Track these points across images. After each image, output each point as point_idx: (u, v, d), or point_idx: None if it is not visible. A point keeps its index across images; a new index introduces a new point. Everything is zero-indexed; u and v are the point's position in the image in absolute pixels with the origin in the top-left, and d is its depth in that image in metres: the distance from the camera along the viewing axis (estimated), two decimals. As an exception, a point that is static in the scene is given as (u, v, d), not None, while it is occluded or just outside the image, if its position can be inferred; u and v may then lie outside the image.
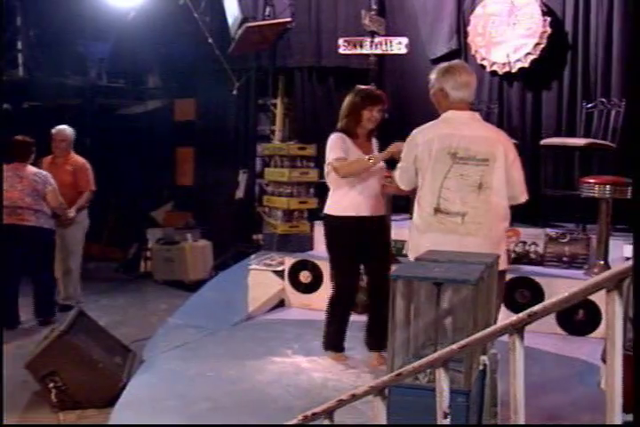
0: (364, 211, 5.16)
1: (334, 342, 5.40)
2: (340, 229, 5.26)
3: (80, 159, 7.66)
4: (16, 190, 6.74)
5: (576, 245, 6.54)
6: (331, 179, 5.27)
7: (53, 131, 7.56)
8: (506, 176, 4.03)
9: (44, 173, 6.97)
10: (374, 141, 5.32)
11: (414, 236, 4.20)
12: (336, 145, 5.16)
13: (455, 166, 3.98)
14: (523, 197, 4.22)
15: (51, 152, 7.56)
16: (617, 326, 1.51)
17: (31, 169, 6.92)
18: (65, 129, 7.61)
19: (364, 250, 5.21)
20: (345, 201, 5.19)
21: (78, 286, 7.62)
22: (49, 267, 7.08)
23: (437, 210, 4.01)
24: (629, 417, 2.55)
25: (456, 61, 4.53)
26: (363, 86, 5.53)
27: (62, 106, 10.12)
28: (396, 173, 4.32)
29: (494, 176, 3.99)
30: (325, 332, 5.45)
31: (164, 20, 9.26)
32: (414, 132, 4.20)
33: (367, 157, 5.00)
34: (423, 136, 4.12)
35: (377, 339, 5.24)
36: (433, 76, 4.20)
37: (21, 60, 9.74)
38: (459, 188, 3.97)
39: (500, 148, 4.02)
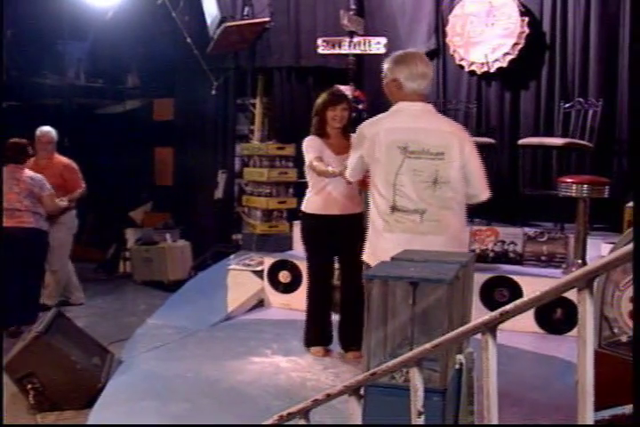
0: (333, 209, 5.33)
1: (310, 337, 5.56)
2: (310, 226, 5.48)
3: (65, 160, 7.60)
4: (13, 193, 6.64)
5: (554, 245, 6.57)
6: (308, 178, 5.44)
7: (38, 133, 7.47)
8: (463, 171, 3.83)
9: (40, 176, 6.86)
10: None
11: (371, 237, 3.99)
12: (308, 146, 5.35)
13: (407, 161, 3.77)
14: (484, 195, 3.95)
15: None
16: (588, 325, 1.52)
17: (27, 172, 6.84)
18: (50, 131, 7.53)
19: (336, 248, 5.41)
20: (316, 199, 5.39)
21: (65, 287, 7.60)
22: (41, 269, 7.01)
23: (394, 208, 3.79)
24: (606, 414, 2.57)
25: (411, 50, 4.33)
26: (338, 86, 5.63)
27: (40, 106, 10.07)
28: (347, 170, 4.23)
29: (451, 171, 3.79)
30: (305, 329, 5.60)
31: (143, 20, 9.23)
32: (361, 126, 4.04)
33: (330, 168, 5.05)
34: (369, 130, 3.94)
35: (349, 338, 5.38)
36: (386, 66, 3.96)
37: (-2, 60, 9.68)
38: (413, 184, 3.76)
39: (455, 140, 3.82)
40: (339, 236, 5.32)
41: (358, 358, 5.16)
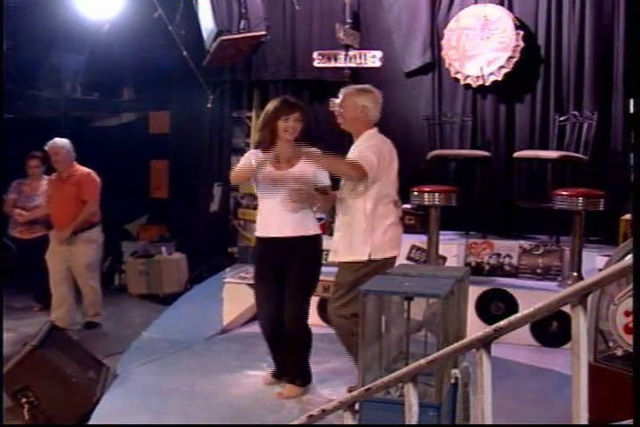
0: (273, 231, 4.84)
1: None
2: (256, 251, 5.07)
3: (85, 170, 7.44)
4: None
5: (550, 257, 6.58)
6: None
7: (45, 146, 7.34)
8: None
9: None
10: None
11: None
12: (241, 160, 4.98)
13: None
14: None
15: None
16: (581, 341, 1.52)
17: None
18: (55, 142, 7.26)
19: (280, 274, 4.89)
20: (259, 220, 4.96)
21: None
22: None
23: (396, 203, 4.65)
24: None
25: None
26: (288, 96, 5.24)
27: (36, 118, 10.06)
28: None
29: None
30: None
31: (139, 33, 9.23)
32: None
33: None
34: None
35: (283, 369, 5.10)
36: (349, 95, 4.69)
37: (-6, 73, 9.67)
38: None
39: None
40: (281, 261, 4.87)
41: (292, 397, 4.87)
